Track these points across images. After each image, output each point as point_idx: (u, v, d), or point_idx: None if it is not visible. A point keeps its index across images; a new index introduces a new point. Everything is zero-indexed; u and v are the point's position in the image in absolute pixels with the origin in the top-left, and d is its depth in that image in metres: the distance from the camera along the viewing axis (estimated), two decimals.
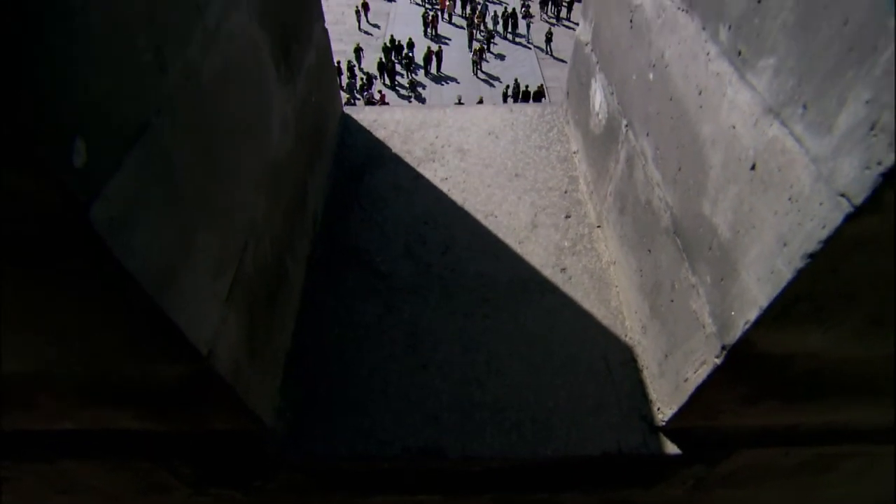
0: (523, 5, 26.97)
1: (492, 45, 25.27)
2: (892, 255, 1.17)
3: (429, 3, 27.17)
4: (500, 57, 25.12)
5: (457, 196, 2.76)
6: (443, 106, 3.41)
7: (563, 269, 2.46)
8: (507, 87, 22.67)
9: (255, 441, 2.00)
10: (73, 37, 0.98)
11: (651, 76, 1.99)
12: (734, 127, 1.44)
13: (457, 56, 25.27)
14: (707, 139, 1.59)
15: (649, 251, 2.06)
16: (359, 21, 26.09)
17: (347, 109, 3.35)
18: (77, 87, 1.01)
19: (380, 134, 3.14)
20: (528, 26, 26.59)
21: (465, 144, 3.06)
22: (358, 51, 23.25)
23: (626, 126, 2.24)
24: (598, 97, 2.63)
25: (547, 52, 25.77)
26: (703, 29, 1.61)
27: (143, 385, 1.71)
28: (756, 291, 1.36)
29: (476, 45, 23.63)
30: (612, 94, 2.42)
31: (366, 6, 26.02)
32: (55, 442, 2.00)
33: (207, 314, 1.55)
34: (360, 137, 3.12)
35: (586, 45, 2.82)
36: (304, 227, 2.48)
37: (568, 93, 3.21)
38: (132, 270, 1.18)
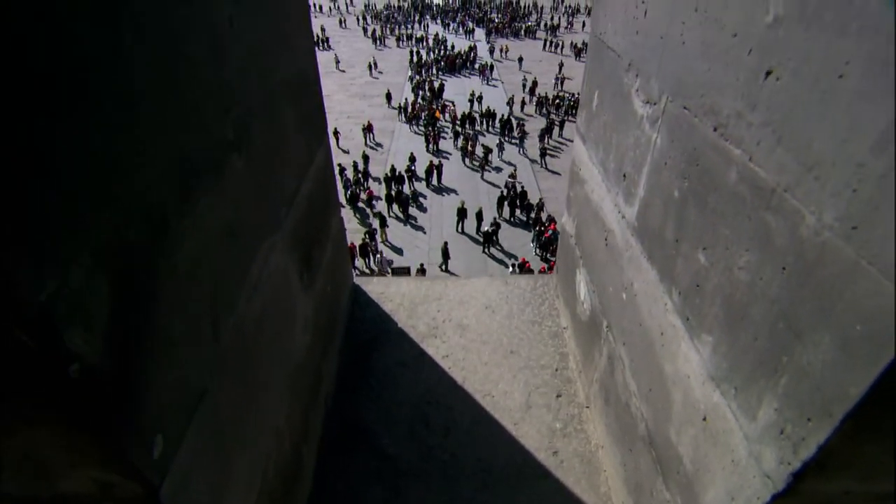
0: (518, 125, 29.02)
1: (489, 160, 26.91)
2: None
3: (430, 127, 29.13)
4: (497, 169, 26.56)
5: (457, 374, 3.02)
6: (444, 279, 3.77)
7: (555, 453, 2.66)
8: (510, 191, 23.87)
9: None
10: (152, 353, 1.27)
11: (624, 296, 2.32)
12: (689, 377, 1.73)
13: (456, 169, 26.78)
14: (669, 376, 1.87)
15: (630, 450, 2.28)
16: (365, 138, 28.00)
17: (358, 280, 3.70)
18: (156, 392, 1.28)
19: (387, 307, 3.46)
20: (522, 141, 28.39)
21: (464, 319, 3.37)
22: (365, 156, 25.03)
23: (607, 328, 2.55)
24: (582, 289, 2.97)
25: (542, 166, 27.30)
26: (661, 282, 1.94)
27: None
28: None
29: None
30: (594, 293, 2.75)
31: (370, 126, 28.04)
32: None
33: None
34: (368, 311, 3.43)
35: (571, 236, 3.21)
36: (318, 410, 2.70)
37: (557, 269, 3.58)
38: None
